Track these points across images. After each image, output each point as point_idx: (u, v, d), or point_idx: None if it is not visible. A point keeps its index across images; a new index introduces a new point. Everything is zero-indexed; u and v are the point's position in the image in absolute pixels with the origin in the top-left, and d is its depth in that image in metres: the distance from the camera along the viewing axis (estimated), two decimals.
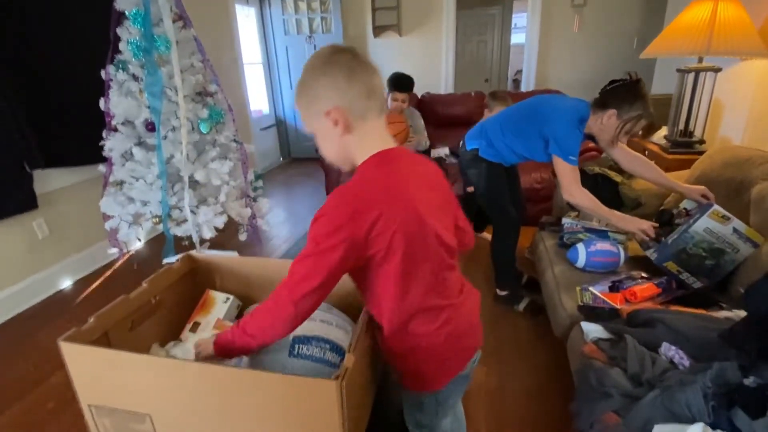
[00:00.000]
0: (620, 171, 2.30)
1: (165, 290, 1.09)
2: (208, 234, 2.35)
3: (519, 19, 6.18)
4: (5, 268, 2.24)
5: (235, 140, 2.52)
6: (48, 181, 2.41)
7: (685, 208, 1.63)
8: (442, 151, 3.47)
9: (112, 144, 2.21)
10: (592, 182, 2.23)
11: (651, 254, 1.57)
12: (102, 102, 2.20)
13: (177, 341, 1.06)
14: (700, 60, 2.21)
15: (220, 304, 1.09)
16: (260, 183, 2.77)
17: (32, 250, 2.36)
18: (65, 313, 2.27)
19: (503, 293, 2.18)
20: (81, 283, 2.55)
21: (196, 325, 1.08)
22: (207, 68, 2.38)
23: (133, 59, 2.13)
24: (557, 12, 4.37)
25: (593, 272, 1.71)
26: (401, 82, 3.04)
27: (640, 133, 1.74)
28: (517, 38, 6.24)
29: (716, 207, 1.43)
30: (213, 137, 2.37)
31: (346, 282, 0.80)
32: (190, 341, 1.02)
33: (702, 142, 2.31)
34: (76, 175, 2.53)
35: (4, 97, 2.10)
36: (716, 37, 1.99)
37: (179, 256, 1.19)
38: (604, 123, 1.66)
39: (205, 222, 2.32)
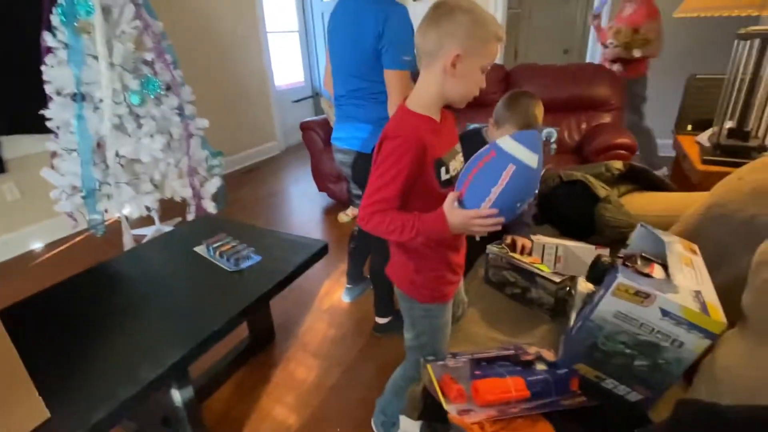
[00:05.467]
0: (614, 182, 1.62)
1: None
2: (136, 213, 2.25)
3: None
4: None
5: (179, 114, 2.34)
6: (20, 146, 2.52)
7: (621, 256, 1.00)
8: None
9: (51, 114, 2.18)
10: (567, 192, 1.59)
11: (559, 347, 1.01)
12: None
13: None
14: None
15: None
16: (217, 161, 2.59)
17: (0, 212, 2.50)
18: (26, 273, 2.38)
19: (385, 320, 1.74)
20: (51, 246, 2.68)
21: None
22: (147, 35, 2.21)
23: (61, 25, 2.03)
24: None
25: None
26: None
27: None
28: None
29: (621, 278, 0.82)
30: (148, 110, 2.21)
31: None
32: None
33: (764, 149, 1.49)
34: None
35: None
36: None
37: None
38: None
39: (131, 200, 2.20)
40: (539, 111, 1.28)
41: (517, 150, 0.79)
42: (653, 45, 2.72)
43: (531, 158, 0.79)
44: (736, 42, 1.49)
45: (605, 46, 2.99)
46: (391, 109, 1.41)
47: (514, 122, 1.27)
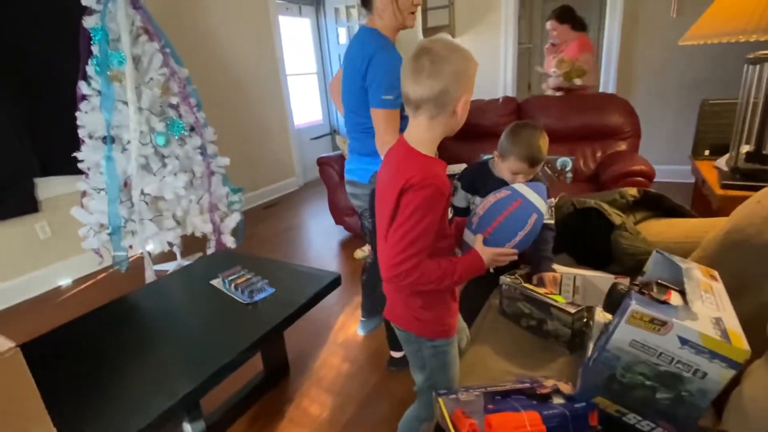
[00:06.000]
0: (628, 209, 1.59)
1: None
2: (159, 248, 2.32)
3: None
4: (5, 263, 2.51)
5: (202, 153, 2.45)
6: (54, 187, 2.66)
7: (637, 284, 0.97)
8: (457, 168, 2.94)
9: (83, 156, 2.31)
10: (581, 219, 1.57)
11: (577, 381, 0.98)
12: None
13: None
14: None
15: None
16: (237, 197, 2.67)
17: (33, 249, 2.61)
18: (53, 308, 2.46)
19: (400, 354, 1.70)
20: (78, 282, 2.76)
21: None
22: (174, 81, 2.35)
23: (96, 75, 2.19)
24: None
25: None
26: None
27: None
28: None
29: (635, 305, 0.79)
30: (172, 150, 2.33)
31: None
32: None
33: None
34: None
35: (4, 110, 2.36)
36: None
37: None
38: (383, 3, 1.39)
39: (154, 236, 2.28)
40: (543, 142, 1.28)
41: (538, 201, 0.96)
42: (588, 75, 2.97)
43: (544, 208, 0.96)
44: (746, 66, 1.48)
45: (548, 76, 3.17)
46: (378, 146, 1.44)
47: (517, 154, 1.27)
